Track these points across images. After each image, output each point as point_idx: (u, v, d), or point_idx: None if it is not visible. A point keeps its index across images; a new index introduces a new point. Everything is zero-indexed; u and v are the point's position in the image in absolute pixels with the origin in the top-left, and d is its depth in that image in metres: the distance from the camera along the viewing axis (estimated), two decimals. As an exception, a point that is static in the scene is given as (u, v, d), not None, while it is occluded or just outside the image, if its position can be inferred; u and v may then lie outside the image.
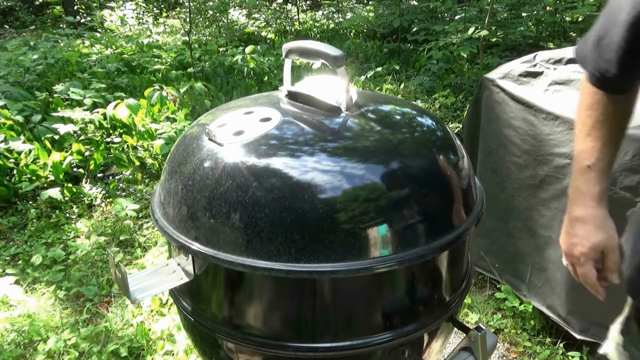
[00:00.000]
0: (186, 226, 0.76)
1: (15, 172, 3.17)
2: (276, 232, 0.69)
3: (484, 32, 4.32)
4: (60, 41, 6.87)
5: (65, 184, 3.12)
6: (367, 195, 0.72)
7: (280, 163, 0.74)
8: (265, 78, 5.43)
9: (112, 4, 9.44)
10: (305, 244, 0.69)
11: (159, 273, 0.82)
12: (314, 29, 8.15)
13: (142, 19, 9.30)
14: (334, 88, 0.87)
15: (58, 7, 10.56)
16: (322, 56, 0.84)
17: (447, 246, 0.76)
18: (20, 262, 2.53)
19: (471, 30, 4.37)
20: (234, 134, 0.78)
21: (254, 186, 0.71)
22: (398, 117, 0.90)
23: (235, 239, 0.71)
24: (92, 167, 3.35)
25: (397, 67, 5.67)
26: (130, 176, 3.36)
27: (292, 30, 8.10)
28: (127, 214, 2.84)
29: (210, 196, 0.74)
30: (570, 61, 1.98)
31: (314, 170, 0.72)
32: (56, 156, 3.22)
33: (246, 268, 0.70)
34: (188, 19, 6.07)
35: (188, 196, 0.77)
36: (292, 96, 0.90)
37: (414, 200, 0.74)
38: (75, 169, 3.37)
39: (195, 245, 0.74)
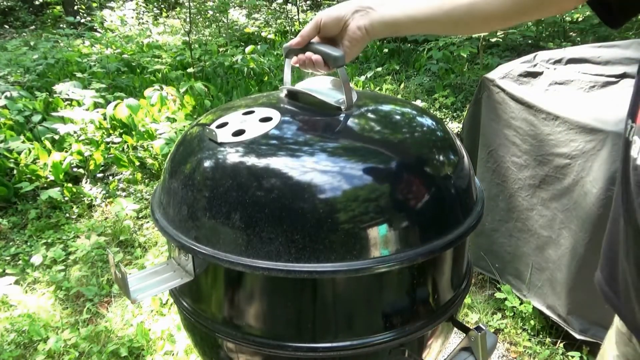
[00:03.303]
0: (186, 226, 0.76)
1: (15, 172, 3.17)
2: (276, 232, 0.69)
3: (484, 32, 4.32)
4: (60, 41, 6.86)
5: (65, 184, 3.12)
6: (367, 195, 0.72)
7: (280, 163, 0.74)
8: (265, 78, 5.43)
9: (112, 4, 9.44)
10: (305, 243, 0.69)
11: (159, 273, 0.82)
12: (314, 29, 8.13)
13: (142, 19, 9.30)
14: (334, 88, 0.87)
15: (58, 7, 10.56)
16: (323, 56, 0.84)
17: (448, 246, 0.76)
18: (20, 262, 2.53)
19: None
20: (234, 134, 0.78)
21: (254, 186, 0.71)
22: (398, 117, 0.90)
23: (235, 239, 0.71)
24: (92, 167, 3.35)
25: (397, 67, 5.67)
26: (130, 176, 3.36)
27: (292, 30, 8.10)
28: (127, 214, 2.84)
29: (210, 196, 0.74)
30: (570, 61, 1.98)
31: (314, 170, 0.71)
32: (56, 156, 3.22)
33: (246, 268, 0.70)
34: (188, 19, 6.07)
35: (188, 196, 0.77)
36: (293, 96, 0.90)
37: (414, 200, 0.74)
38: (75, 169, 3.37)
39: (196, 245, 0.74)
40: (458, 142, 0.87)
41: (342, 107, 0.82)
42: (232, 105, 0.92)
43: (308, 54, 0.85)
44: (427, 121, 0.90)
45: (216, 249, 0.72)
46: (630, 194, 0.70)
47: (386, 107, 0.93)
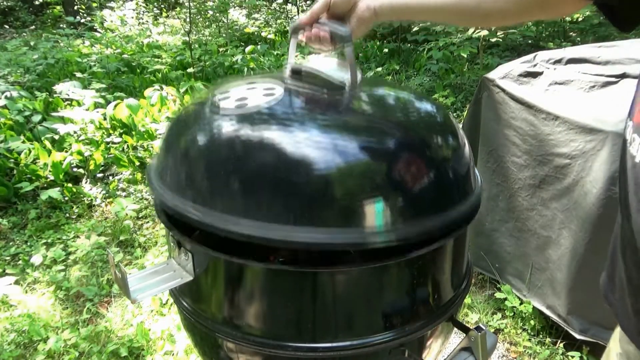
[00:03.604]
0: (184, 194, 0.75)
1: (15, 172, 3.17)
2: (275, 198, 0.69)
3: (484, 32, 4.33)
4: (60, 41, 6.87)
5: (65, 184, 3.12)
6: (364, 171, 0.71)
7: (280, 134, 0.74)
8: (265, 78, 5.42)
9: (112, 4, 9.44)
10: (303, 211, 0.69)
11: (159, 273, 0.82)
12: (314, 29, 8.13)
13: (142, 19, 9.30)
14: (339, 68, 0.87)
15: (58, 7, 10.56)
16: (330, 33, 0.85)
17: (445, 229, 0.75)
18: (20, 262, 2.53)
19: (471, 30, 4.38)
20: (237, 105, 0.78)
21: (253, 156, 0.72)
22: (401, 98, 0.91)
23: (233, 205, 0.71)
24: (92, 167, 3.35)
25: (397, 67, 5.67)
26: (130, 176, 3.36)
27: (292, 30, 8.09)
28: (127, 214, 2.84)
29: (210, 163, 0.74)
30: (570, 61, 1.98)
31: (313, 142, 0.71)
32: (56, 156, 3.22)
33: (243, 237, 0.69)
34: (188, 19, 6.07)
35: (187, 164, 0.77)
36: (297, 73, 0.90)
37: (412, 180, 0.73)
38: (75, 169, 3.37)
39: (193, 213, 0.73)
40: (461, 131, 0.87)
41: (346, 85, 0.82)
42: (236, 80, 0.92)
43: (315, 30, 0.86)
44: (429, 105, 0.91)
45: (214, 217, 0.72)
46: (628, 192, 0.70)
47: (389, 90, 0.94)
